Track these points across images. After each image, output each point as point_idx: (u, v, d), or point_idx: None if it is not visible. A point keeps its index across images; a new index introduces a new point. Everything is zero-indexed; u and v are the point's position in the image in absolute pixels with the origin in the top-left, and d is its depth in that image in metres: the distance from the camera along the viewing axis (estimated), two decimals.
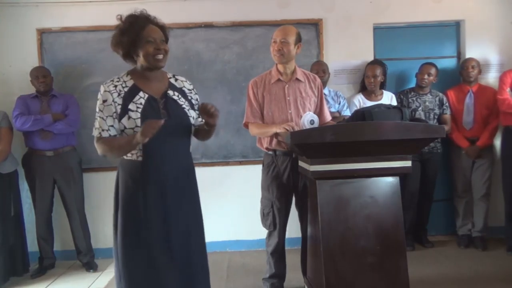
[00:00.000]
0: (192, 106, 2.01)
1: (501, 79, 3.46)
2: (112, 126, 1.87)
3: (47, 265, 3.45)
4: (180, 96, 1.98)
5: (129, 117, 1.84)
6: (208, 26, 3.69)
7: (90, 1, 3.60)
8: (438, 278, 3.01)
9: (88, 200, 3.59)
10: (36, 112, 3.31)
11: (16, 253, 3.25)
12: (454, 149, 3.65)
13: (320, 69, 3.44)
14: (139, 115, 1.84)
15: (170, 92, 1.95)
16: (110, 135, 1.87)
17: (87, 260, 3.47)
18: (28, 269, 3.38)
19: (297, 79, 2.63)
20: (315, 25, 3.71)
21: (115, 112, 1.86)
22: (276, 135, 2.51)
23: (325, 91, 3.38)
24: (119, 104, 1.85)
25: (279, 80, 2.63)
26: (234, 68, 3.72)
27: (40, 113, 3.30)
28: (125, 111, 1.85)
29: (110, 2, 3.58)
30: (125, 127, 1.86)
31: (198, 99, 2.07)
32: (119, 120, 1.86)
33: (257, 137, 2.73)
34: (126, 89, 1.89)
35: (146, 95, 1.89)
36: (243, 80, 3.64)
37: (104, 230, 3.69)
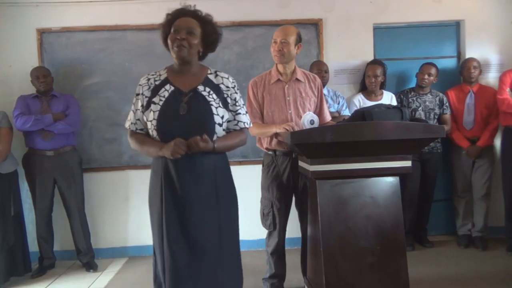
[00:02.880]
0: (225, 104, 1.92)
1: (501, 79, 3.46)
2: (138, 120, 1.90)
3: (47, 265, 3.45)
4: (212, 92, 1.90)
5: (151, 110, 1.84)
6: None
7: (90, 1, 3.60)
8: (438, 278, 3.01)
9: (88, 200, 3.59)
10: (37, 112, 3.31)
11: (16, 253, 3.25)
12: (454, 149, 3.65)
13: (322, 69, 3.44)
14: (159, 107, 1.84)
15: (201, 88, 1.90)
16: (136, 129, 1.91)
17: (87, 260, 3.47)
18: (30, 269, 3.38)
19: (297, 79, 2.63)
20: (315, 25, 3.71)
21: (142, 105, 1.88)
22: (276, 135, 2.51)
23: (325, 91, 3.37)
24: (146, 97, 1.88)
25: (279, 80, 2.63)
26: (234, 68, 3.72)
27: (41, 113, 3.30)
28: (149, 104, 1.86)
29: (110, 2, 3.59)
30: (147, 119, 1.86)
31: (237, 99, 1.96)
32: (144, 113, 1.87)
33: (257, 137, 2.73)
34: (157, 82, 1.90)
35: (172, 88, 1.88)
36: (243, 80, 3.63)
37: (104, 230, 3.70)
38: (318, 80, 2.71)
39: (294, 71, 2.65)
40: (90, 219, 3.56)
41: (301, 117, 2.53)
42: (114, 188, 3.72)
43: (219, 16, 3.67)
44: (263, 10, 3.69)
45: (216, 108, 1.88)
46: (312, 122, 2.44)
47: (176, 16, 1.89)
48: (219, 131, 1.89)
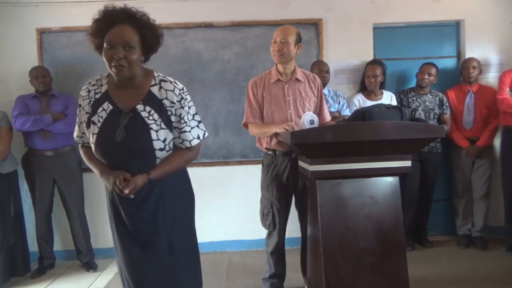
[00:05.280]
0: (168, 124, 1.71)
1: (501, 79, 3.46)
2: (84, 133, 1.79)
3: (47, 265, 3.45)
4: (153, 112, 1.69)
5: (90, 131, 1.72)
6: (208, 26, 3.69)
7: (90, 1, 3.60)
8: (438, 278, 3.01)
9: (88, 200, 3.58)
10: (36, 112, 3.31)
11: (16, 253, 3.25)
12: (454, 149, 3.65)
13: (323, 69, 3.44)
14: (96, 130, 1.69)
15: (140, 107, 1.69)
16: (83, 142, 1.83)
17: (86, 260, 3.47)
18: (29, 269, 3.38)
19: (296, 79, 2.63)
20: (315, 25, 3.71)
21: (84, 121, 1.75)
22: (276, 135, 2.51)
23: (325, 91, 3.37)
24: (87, 113, 1.73)
25: (278, 80, 2.63)
26: (234, 68, 3.72)
27: (40, 113, 3.30)
28: (89, 122, 1.72)
29: (110, 2, 3.58)
30: (89, 139, 1.74)
31: (183, 115, 1.73)
32: (87, 130, 1.74)
33: (256, 137, 2.73)
34: (97, 96, 1.72)
35: (110, 107, 1.69)
36: (243, 80, 3.64)
37: (104, 230, 3.69)
38: (318, 80, 2.71)
39: (294, 71, 2.65)
40: (90, 219, 3.56)
41: (301, 117, 2.53)
42: None
43: (219, 16, 3.73)
44: (263, 10, 3.69)
45: (157, 131, 1.68)
46: (312, 122, 2.44)
47: (108, 22, 1.64)
48: (162, 155, 1.72)
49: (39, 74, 3.34)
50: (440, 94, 3.60)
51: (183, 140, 1.78)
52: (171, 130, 1.73)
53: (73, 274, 3.42)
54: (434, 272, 3.12)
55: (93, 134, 1.70)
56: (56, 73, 3.57)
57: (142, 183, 1.66)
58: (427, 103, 3.55)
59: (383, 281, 2.10)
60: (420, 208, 3.64)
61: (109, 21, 1.65)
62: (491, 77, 3.77)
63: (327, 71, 3.48)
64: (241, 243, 3.78)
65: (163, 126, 1.70)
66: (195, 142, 1.80)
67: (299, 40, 2.58)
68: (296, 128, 2.39)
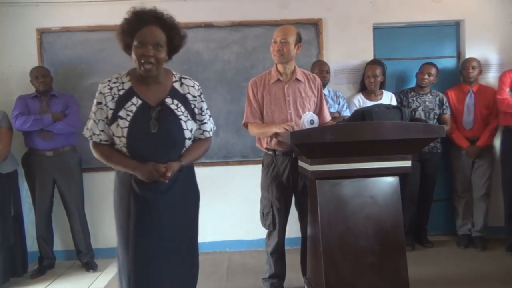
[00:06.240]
0: (193, 116, 1.88)
1: (501, 79, 3.46)
2: (103, 131, 1.81)
3: (47, 265, 3.45)
4: (180, 104, 1.84)
5: (118, 125, 1.76)
6: (208, 26, 3.69)
7: (90, 1, 3.60)
8: (438, 278, 3.01)
9: (88, 200, 3.59)
10: (36, 112, 3.31)
11: (16, 253, 3.25)
12: (454, 149, 3.65)
13: (323, 69, 3.44)
14: (127, 123, 1.75)
15: (168, 100, 1.82)
16: (101, 140, 1.82)
17: (86, 260, 3.47)
18: (27, 270, 3.37)
19: (296, 79, 2.63)
20: (315, 25, 3.71)
21: (106, 117, 1.79)
22: (276, 135, 2.51)
23: (325, 91, 3.37)
24: (110, 109, 1.78)
25: (278, 80, 2.63)
26: (234, 68, 3.72)
27: (40, 113, 3.30)
28: (115, 117, 1.76)
29: (110, 2, 3.59)
30: (113, 134, 1.78)
31: (204, 108, 1.92)
32: (109, 126, 1.78)
33: (256, 137, 2.73)
34: (121, 92, 1.79)
35: (140, 102, 1.78)
36: (243, 80, 3.63)
37: (104, 230, 3.69)
38: (318, 80, 2.71)
39: (294, 71, 2.65)
40: (90, 219, 3.56)
41: (301, 117, 2.53)
42: None
43: (219, 16, 3.73)
44: (263, 10, 3.69)
45: (185, 122, 1.83)
46: (312, 122, 2.44)
47: (139, 22, 1.74)
48: (188, 144, 1.88)
49: (39, 74, 3.34)
50: (440, 94, 3.60)
51: (203, 131, 1.95)
52: (195, 121, 1.89)
53: (73, 274, 3.42)
54: (434, 272, 3.12)
55: (122, 128, 1.75)
56: (56, 73, 3.57)
57: (177, 169, 1.79)
58: (427, 103, 3.55)
59: (383, 281, 2.10)
60: (420, 208, 3.64)
61: (140, 21, 1.75)
62: (491, 77, 3.77)
63: (328, 71, 3.48)
64: (241, 243, 3.78)
65: (189, 117, 1.86)
66: (211, 133, 1.99)
67: (299, 40, 2.58)
68: (296, 128, 2.39)
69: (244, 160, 3.75)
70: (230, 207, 3.75)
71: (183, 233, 1.90)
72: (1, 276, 3.09)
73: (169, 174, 1.74)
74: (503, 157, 3.53)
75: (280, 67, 2.63)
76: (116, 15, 3.89)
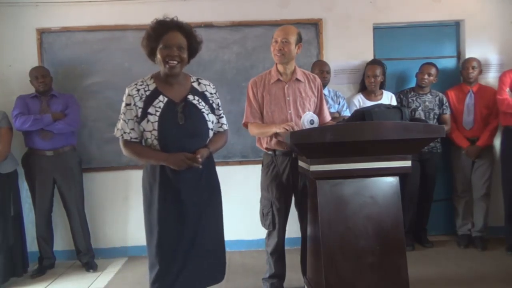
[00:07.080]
0: (212, 110, 2.12)
1: (501, 79, 3.46)
2: (133, 129, 2.00)
3: (47, 265, 3.45)
4: (200, 100, 2.07)
5: (148, 120, 1.96)
6: (208, 26, 3.68)
7: (90, 1, 3.60)
8: (438, 278, 3.01)
9: (88, 200, 3.59)
10: (36, 112, 3.31)
11: (16, 253, 3.25)
12: (454, 149, 3.65)
13: (324, 69, 3.43)
14: (157, 118, 1.96)
15: (190, 97, 2.06)
16: (131, 138, 2.00)
17: (86, 260, 3.47)
18: (27, 270, 3.37)
19: (297, 79, 2.63)
20: (315, 25, 3.71)
21: (136, 116, 1.98)
22: (276, 135, 2.51)
23: (325, 91, 3.37)
24: (140, 108, 1.98)
25: (278, 80, 2.63)
26: (234, 68, 3.72)
27: (40, 113, 3.30)
28: (145, 114, 1.97)
29: (110, 2, 3.59)
30: (144, 129, 1.97)
31: (220, 104, 2.19)
32: (139, 123, 1.97)
33: (256, 137, 2.73)
34: (148, 93, 2.00)
35: (166, 99, 2.00)
36: (243, 80, 3.63)
37: (104, 230, 3.70)
38: (318, 80, 2.71)
39: (294, 71, 2.64)
40: (90, 219, 3.56)
41: (301, 117, 2.53)
42: (114, 188, 3.72)
43: (219, 16, 3.72)
44: (263, 10, 3.69)
45: (207, 114, 2.07)
46: (312, 122, 2.44)
47: (162, 30, 1.98)
48: (210, 134, 2.10)
49: (39, 74, 3.34)
50: (440, 94, 3.60)
51: (222, 124, 2.21)
52: (214, 115, 2.13)
53: (73, 274, 3.42)
54: (434, 272, 3.12)
55: (152, 122, 1.96)
56: (56, 73, 3.57)
57: (206, 154, 2.03)
58: (427, 103, 3.55)
59: (383, 281, 2.10)
60: (420, 208, 3.64)
61: (164, 27, 1.99)
62: (491, 77, 3.77)
63: (328, 72, 3.48)
64: (241, 243, 3.78)
65: (210, 111, 2.09)
66: (227, 126, 2.24)
67: (299, 40, 2.58)
68: (296, 128, 2.39)
69: (244, 160, 3.75)
70: (230, 207, 3.71)
71: (209, 225, 2.10)
72: (1, 276, 3.09)
73: (199, 158, 1.94)
74: (503, 157, 3.53)
75: (280, 67, 2.63)
76: (116, 15, 3.91)
